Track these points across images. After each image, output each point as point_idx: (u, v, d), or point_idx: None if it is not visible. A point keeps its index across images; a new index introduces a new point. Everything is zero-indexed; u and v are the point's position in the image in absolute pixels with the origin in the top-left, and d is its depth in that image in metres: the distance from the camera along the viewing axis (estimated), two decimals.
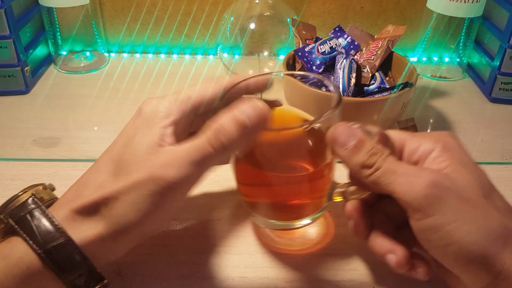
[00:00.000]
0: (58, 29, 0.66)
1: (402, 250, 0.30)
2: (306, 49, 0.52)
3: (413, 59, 0.70)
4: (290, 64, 0.54)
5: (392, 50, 0.54)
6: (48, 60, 0.68)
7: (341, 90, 0.49)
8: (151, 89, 0.61)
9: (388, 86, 0.51)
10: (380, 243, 0.31)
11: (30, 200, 0.28)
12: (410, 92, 0.47)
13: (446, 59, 0.71)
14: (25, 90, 0.60)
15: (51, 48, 0.68)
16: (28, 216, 0.28)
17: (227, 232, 0.39)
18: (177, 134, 0.30)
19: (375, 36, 0.56)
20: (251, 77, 0.34)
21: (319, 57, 0.52)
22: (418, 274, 0.30)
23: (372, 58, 0.53)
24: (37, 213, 0.28)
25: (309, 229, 0.39)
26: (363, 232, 0.32)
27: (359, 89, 0.52)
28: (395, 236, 0.31)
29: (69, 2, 0.63)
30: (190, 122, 0.33)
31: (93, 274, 0.28)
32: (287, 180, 0.33)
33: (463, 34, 0.65)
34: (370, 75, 0.52)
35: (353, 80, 0.50)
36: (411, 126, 0.48)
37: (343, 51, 0.53)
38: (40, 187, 0.31)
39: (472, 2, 0.60)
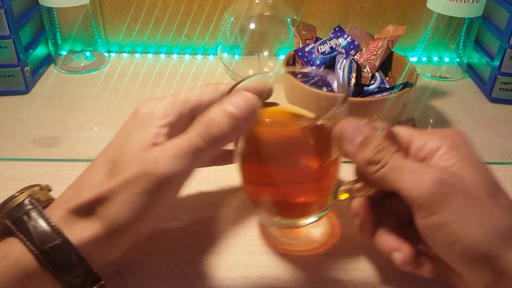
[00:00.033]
0: (58, 29, 0.66)
1: (408, 248, 0.30)
2: (306, 49, 0.52)
3: (413, 59, 0.70)
4: (290, 64, 0.54)
5: (392, 50, 0.54)
6: (48, 60, 0.68)
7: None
8: (151, 89, 0.61)
9: (388, 86, 0.51)
10: (386, 241, 0.31)
11: (26, 201, 0.28)
12: (410, 92, 0.47)
13: (446, 59, 0.71)
14: (25, 90, 0.60)
15: (51, 48, 0.68)
16: (25, 217, 0.27)
17: (227, 232, 0.39)
18: (172, 136, 0.30)
19: (375, 36, 0.56)
20: (252, 81, 0.34)
21: (319, 57, 0.52)
22: (423, 271, 0.30)
23: (372, 58, 0.53)
24: (33, 214, 0.28)
25: (311, 230, 0.39)
26: (369, 229, 0.32)
27: (359, 89, 0.52)
28: (401, 233, 0.31)
29: (69, 2, 0.63)
30: (187, 126, 0.33)
31: (90, 275, 0.27)
32: (294, 177, 0.33)
33: (463, 34, 0.65)
34: (370, 75, 0.52)
35: (353, 80, 0.50)
36: (411, 126, 0.48)
37: (343, 51, 0.53)
38: (37, 188, 0.31)
39: (472, 2, 0.60)
